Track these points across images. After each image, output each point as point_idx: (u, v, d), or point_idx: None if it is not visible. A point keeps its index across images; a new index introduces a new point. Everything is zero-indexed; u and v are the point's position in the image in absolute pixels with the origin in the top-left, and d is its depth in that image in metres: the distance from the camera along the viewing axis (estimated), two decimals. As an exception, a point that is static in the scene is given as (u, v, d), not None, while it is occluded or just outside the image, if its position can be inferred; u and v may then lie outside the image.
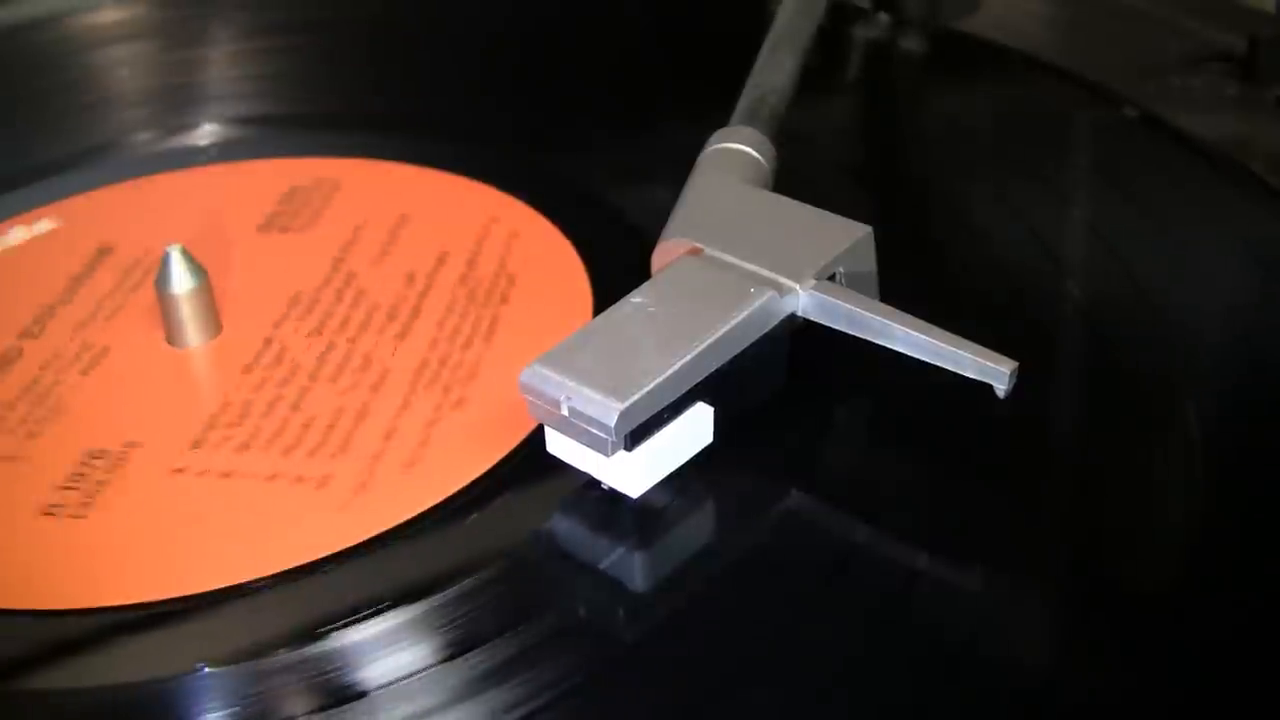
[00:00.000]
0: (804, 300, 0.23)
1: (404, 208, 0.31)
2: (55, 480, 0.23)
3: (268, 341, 0.26)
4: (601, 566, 0.21)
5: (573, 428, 0.21)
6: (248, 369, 0.26)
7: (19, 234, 0.30)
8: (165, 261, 0.26)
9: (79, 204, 0.32)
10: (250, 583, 0.21)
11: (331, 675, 0.20)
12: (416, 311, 0.27)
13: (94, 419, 0.25)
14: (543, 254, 0.29)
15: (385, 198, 0.31)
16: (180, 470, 0.23)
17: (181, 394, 0.25)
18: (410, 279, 0.28)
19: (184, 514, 0.22)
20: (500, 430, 0.24)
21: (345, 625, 0.20)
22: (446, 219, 0.30)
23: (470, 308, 0.27)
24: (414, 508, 0.22)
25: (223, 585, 0.21)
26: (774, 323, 0.23)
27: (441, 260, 0.29)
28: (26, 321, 0.27)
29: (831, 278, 0.23)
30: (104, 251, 0.29)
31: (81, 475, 0.23)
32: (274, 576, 0.21)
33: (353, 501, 0.22)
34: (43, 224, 0.31)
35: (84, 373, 0.26)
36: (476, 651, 0.20)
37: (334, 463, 0.23)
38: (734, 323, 0.22)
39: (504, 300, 0.27)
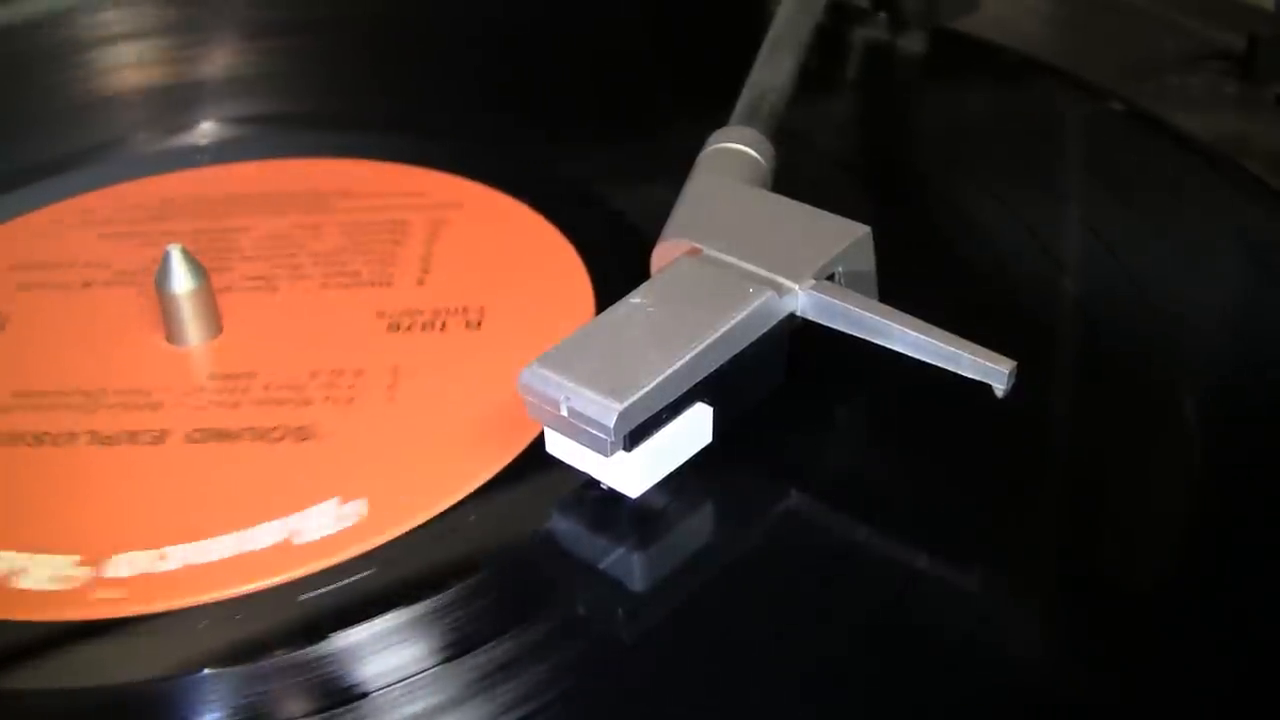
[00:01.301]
0: (803, 300, 0.23)
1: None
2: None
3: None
4: (601, 566, 0.21)
5: (572, 428, 0.21)
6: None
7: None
8: (166, 260, 0.26)
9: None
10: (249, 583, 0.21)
11: (331, 675, 0.20)
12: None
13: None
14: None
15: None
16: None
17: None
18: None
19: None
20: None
21: (346, 627, 0.20)
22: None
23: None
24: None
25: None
26: (773, 323, 0.23)
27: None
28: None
29: (830, 278, 0.23)
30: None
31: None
32: (275, 577, 0.21)
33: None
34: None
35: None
36: (476, 652, 0.20)
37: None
38: (733, 323, 0.22)
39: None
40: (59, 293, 0.29)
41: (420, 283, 0.28)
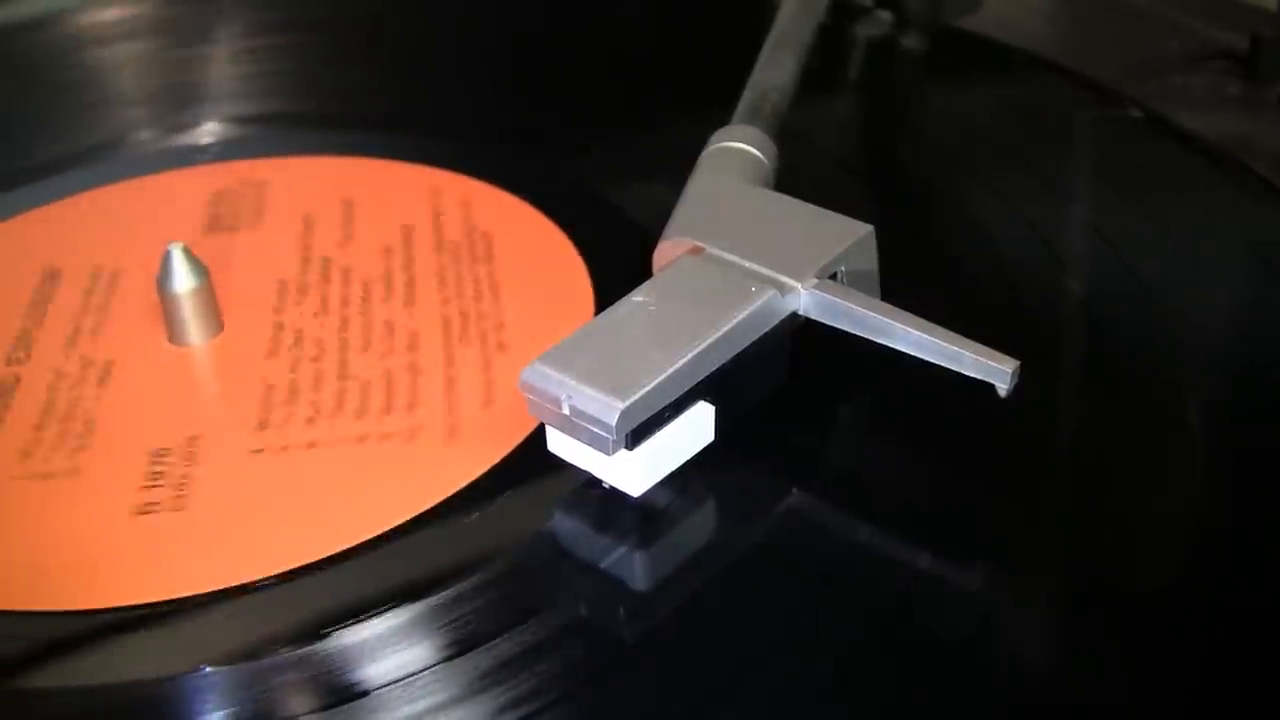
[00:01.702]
0: (805, 299, 0.23)
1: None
2: (134, 483, 0.23)
3: (278, 327, 0.27)
4: (602, 566, 0.21)
5: (574, 427, 0.21)
6: (271, 354, 0.26)
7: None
8: (167, 260, 0.26)
9: (18, 226, 0.31)
10: (250, 584, 0.21)
11: (332, 674, 0.20)
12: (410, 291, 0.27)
13: (136, 422, 0.24)
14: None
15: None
16: (259, 451, 0.23)
17: (217, 386, 0.25)
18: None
19: (288, 486, 0.23)
20: (501, 430, 0.24)
21: (347, 625, 0.20)
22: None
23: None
24: (414, 508, 0.22)
25: (346, 546, 0.21)
26: (775, 321, 0.23)
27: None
28: (5, 349, 0.27)
29: (833, 276, 0.23)
30: (53, 274, 0.29)
31: (160, 473, 0.23)
32: (275, 576, 0.21)
33: (449, 446, 0.23)
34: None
35: (100, 383, 0.26)
36: (477, 651, 0.20)
37: (414, 416, 0.24)
38: (735, 322, 0.22)
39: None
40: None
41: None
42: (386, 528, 0.22)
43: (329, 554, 0.21)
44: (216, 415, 0.24)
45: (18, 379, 0.26)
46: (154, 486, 0.23)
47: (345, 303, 0.27)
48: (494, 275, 0.28)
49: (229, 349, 0.26)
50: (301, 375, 0.25)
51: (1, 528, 0.22)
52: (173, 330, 0.26)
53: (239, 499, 0.23)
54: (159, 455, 0.24)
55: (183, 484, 0.23)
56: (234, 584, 0.21)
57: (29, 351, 0.26)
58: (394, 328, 0.26)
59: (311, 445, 0.23)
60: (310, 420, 0.24)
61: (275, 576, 0.21)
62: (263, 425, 0.24)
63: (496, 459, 0.23)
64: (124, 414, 0.25)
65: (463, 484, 0.23)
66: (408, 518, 0.22)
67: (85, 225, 0.31)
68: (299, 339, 0.26)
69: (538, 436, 0.23)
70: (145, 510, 0.22)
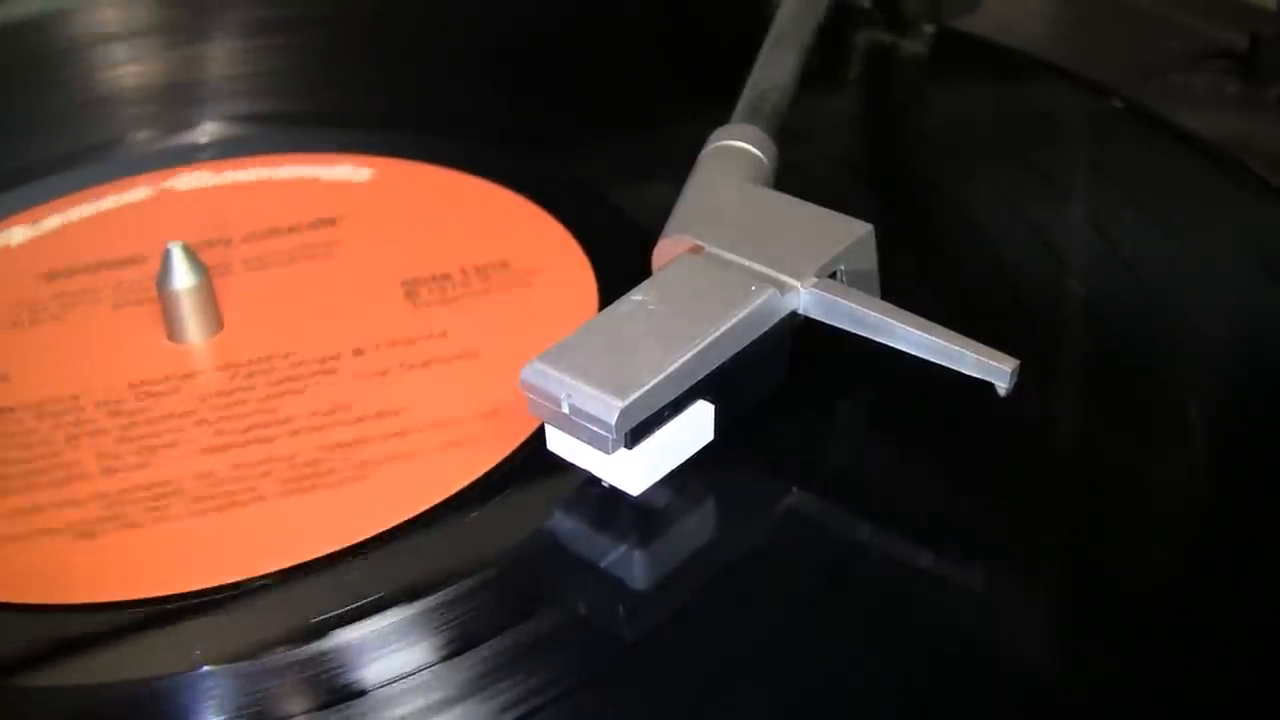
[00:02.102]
0: (805, 298, 0.23)
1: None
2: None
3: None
4: (602, 565, 0.21)
5: (573, 425, 0.21)
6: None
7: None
8: (166, 258, 0.26)
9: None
10: (249, 580, 0.21)
11: (331, 674, 0.19)
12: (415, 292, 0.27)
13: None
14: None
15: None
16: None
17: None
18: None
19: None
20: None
21: (346, 624, 0.20)
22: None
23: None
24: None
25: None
26: (775, 320, 0.23)
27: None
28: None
29: (833, 276, 0.23)
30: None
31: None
32: (275, 574, 0.21)
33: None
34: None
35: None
36: (477, 650, 0.20)
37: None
38: (735, 320, 0.22)
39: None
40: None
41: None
42: (386, 527, 0.22)
43: (329, 553, 0.21)
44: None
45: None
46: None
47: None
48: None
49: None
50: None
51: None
52: (172, 328, 0.26)
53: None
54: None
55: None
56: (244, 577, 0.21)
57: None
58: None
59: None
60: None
61: (275, 575, 0.21)
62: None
63: (497, 459, 0.23)
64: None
65: (463, 484, 0.23)
66: (408, 517, 0.22)
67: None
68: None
69: (538, 436, 0.23)
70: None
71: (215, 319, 0.27)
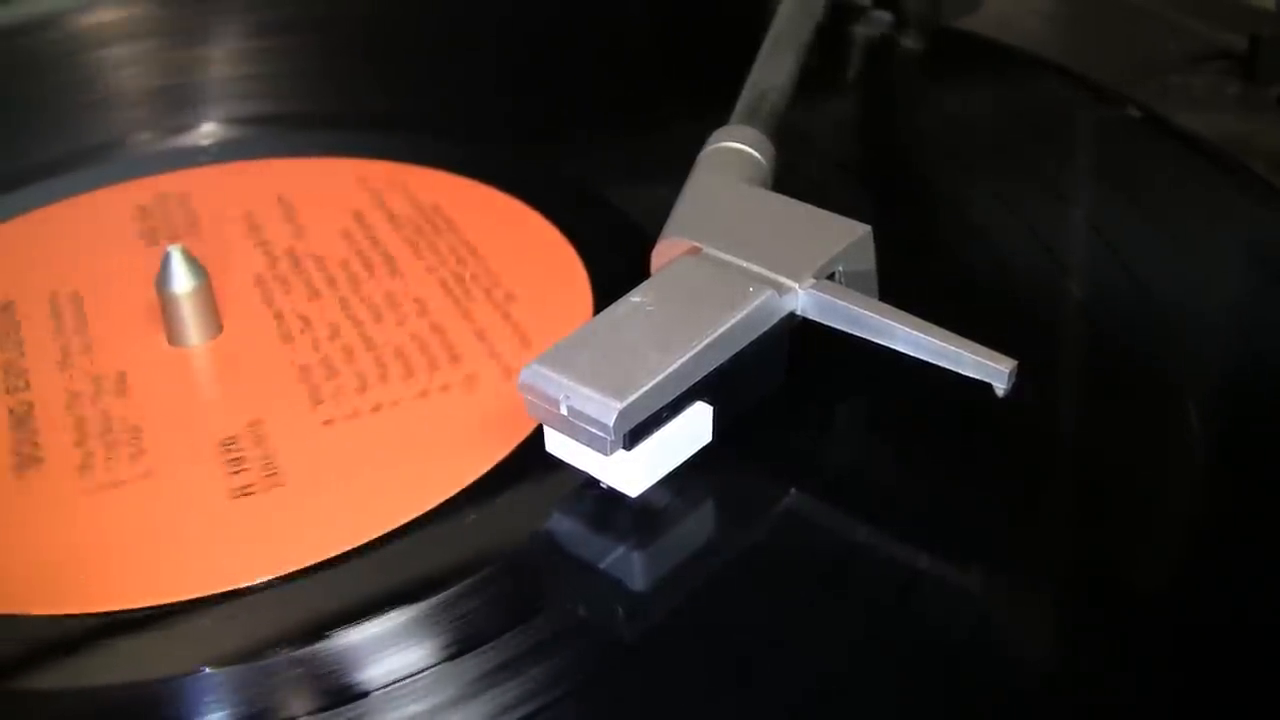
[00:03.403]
0: (803, 299, 0.23)
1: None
2: (216, 472, 0.23)
3: (279, 317, 0.27)
4: (601, 566, 0.21)
5: (572, 427, 0.21)
6: (287, 339, 0.26)
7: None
8: (167, 262, 0.26)
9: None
10: (252, 585, 0.21)
11: (331, 676, 0.20)
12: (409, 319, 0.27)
13: (187, 420, 0.24)
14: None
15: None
16: (328, 421, 0.24)
17: (251, 375, 0.25)
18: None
19: (376, 447, 0.23)
20: (499, 430, 0.24)
21: (345, 627, 0.20)
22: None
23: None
24: (413, 508, 0.22)
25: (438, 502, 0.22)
26: (773, 322, 0.23)
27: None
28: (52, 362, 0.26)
29: (831, 277, 0.23)
30: (4, 305, 0.28)
31: (238, 459, 0.23)
32: (276, 579, 0.21)
33: (509, 387, 0.23)
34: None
35: (121, 395, 0.25)
36: (476, 651, 0.20)
37: (462, 367, 0.24)
38: (733, 322, 0.22)
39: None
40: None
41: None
42: (387, 529, 0.22)
43: (328, 556, 0.21)
44: (265, 401, 0.25)
45: (30, 406, 0.25)
46: (239, 471, 0.23)
47: (333, 283, 0.28)
48: (493, 274, 0.28)
49: (236, 344, 0.26)
50: (331, 351, 0.26)
51: (102, 534, 0.22)
52: (173, 331, 0.26)
53: (334, 464, 0.23)
54: (228, 442, 0.24)
55: (269, 461, 0.23)
56: (330, 556, 0.21)
57: (26, 380, 0.26)
58: (397, 298, 0.27)
59: (376, 409, 0.24)
60: (362, 389, 0.25)
61: (275, 578, 0.21)
62: (319, 401, 0.24)
63: (496, 459, 0.23)
64: (165, 416, 0.25)
65: (462, 485, 0.23)
66: (406, 520, 0.22)
67: (28, 251, 0.30)
68: (308, 324, 0.27)
69: (537, 437, 0.23)
70: (243, 494, 0.23)
71: (215, 322, 0.27)
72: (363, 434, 0.24)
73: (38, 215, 0.32)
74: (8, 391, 0.26)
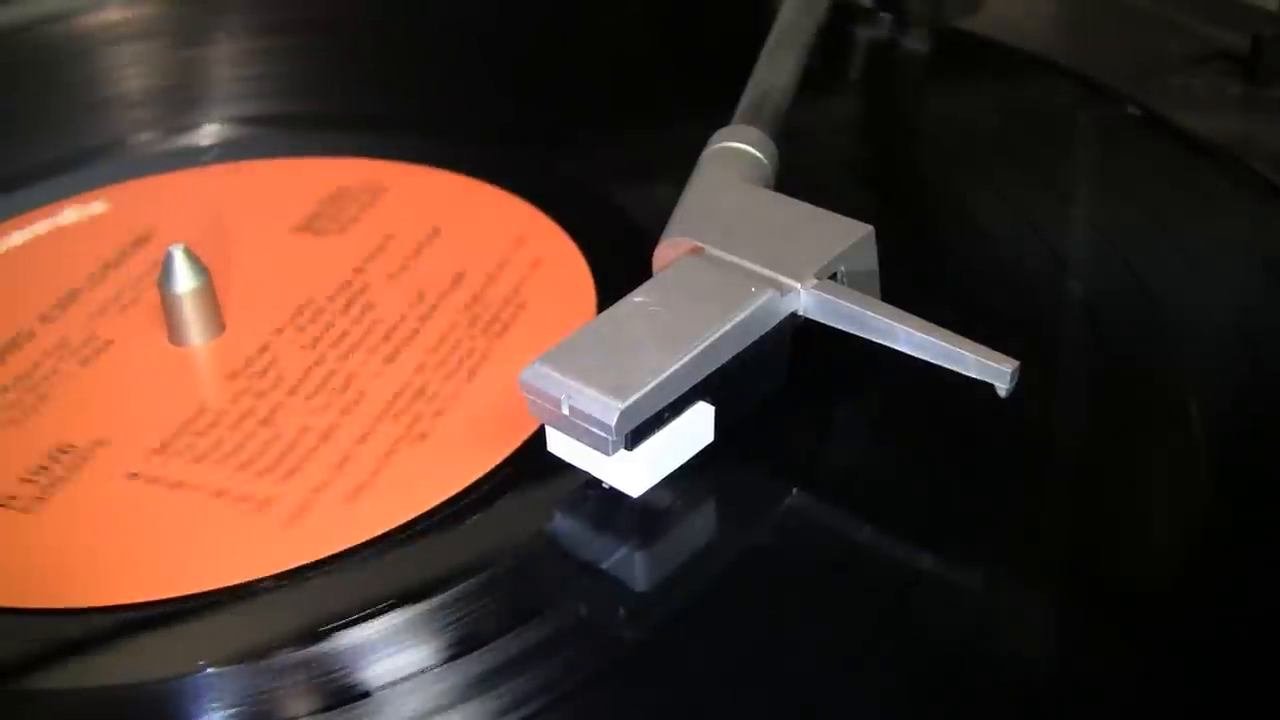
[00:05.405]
0: (805, 299, 0.23)
1: (401, 208, 0.31)
2: (19, 472, 0.23)
3: (262, 349, 0.26)
4: (603, 566, 0.21)
5: (573, 427, 0.21)
6: (233, 375, 0.26)
7: (70, 215, 0.31)
8: (168, 261, 0.26)
9: (131, 189, 0.32)
10: (253, 582, 0.21)
11: (333, 676, 0.20)
12: (414, 333, 0.27)
13: (74, 412, 0.25)
14: (545, 252, 0.29)
15: (425, 206, 0.31)
16: (135, 475, 0.23)
17: (162, 396, 0.25)
18: (420, 297, 0.28)
19: (128, 521, 0.23)
20: (501, 430, 0.24)
21: (347, 625, 0.20)
22: (449, 219, 0.30)
23: (470, 333, 0.26)
24: (412, 509, 0.22)
25: (165, 596, 0.21)
26: (775, 322, 0.23)
27: (444, 259, 0.29)
28: (50, 304, 0.28)
29: (833, 277, 0.23)
30: (141, 241, 0.30)
31: (44, 469, 0.23)
32: (278, 576, 0.21)
33: (288, 527, 0.22)
34: (96, 205, 0.31)
35: (83, 363, 0.26)
36: (478, 652, 0.20)
37: (281, 486, 0.23)
38: (735, 322, 0.22)
39: (505, 328, 0.26)
40: (131, 261, 0.29)
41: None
42: (387, 529, 0.22)
43: (329, 554, 0.21)
44: (131, 426, 0.24)
45: (32, 335, 0.26)
46: (29, 481, 0.23)
47: (340, 340, 0.26)
48: (495, 274, 0.28)
49: (204, 358, 0.26)
50: (236, 407, 0.25)
51: (103, 534, 0.22)
52: (173, 331, 0.26)
53: (82, 521, 0.23)
54: (59, 451, 0.24)
55: (51, 488, 0.23)
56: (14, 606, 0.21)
57: (65, 310, 0.27)
58: (350, 383, 0.25)
59: (177, 485, 0.23)
60: (200, 458, 0.24)
61: (275, 577, 0.21)
62: (161, 449, 0.24)
63: (497, 460, 0.23)
64: (71, 400, 0.25)
65: (463, 485, 0.23)
66: (408, 519, 0.22)
67: (189, 199, 0.32)
68: (267, 368, 0.26)
69: (538, 438, 0.23)
70: (2, 503, 0.23)
71: (217, 322, 0.27)
72: (144, 503, 0.23)
73: (228, 168, 0.32)
74: (40, 317, 0.27)
